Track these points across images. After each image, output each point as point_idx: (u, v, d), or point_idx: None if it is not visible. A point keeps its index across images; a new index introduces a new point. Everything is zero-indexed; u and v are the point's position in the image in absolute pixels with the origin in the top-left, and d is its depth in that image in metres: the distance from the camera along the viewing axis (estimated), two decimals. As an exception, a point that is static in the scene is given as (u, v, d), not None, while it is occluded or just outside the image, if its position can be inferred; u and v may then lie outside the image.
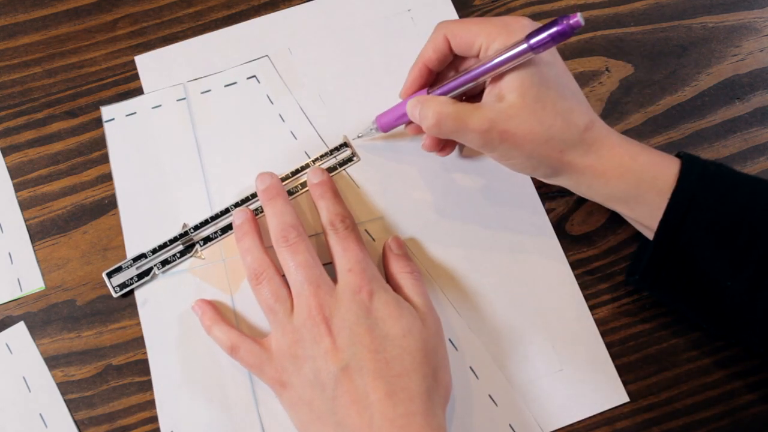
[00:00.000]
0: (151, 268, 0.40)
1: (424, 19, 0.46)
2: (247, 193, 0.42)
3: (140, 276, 0.40)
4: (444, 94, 0.37)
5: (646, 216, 0.35)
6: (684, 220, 0.33)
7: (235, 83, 0.45)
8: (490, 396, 0.38)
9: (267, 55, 0.46)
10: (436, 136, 0.37)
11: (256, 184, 0.40)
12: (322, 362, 0.34)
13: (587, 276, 0.41)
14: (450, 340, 0.39)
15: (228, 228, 0.41)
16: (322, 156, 0.43)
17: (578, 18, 0.30)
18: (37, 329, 0.40)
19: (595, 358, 0.39)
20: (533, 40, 0.32)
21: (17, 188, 0.43)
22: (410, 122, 0.39)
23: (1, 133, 0.44)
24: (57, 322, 0.40)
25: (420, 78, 0.39)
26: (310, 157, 0.43)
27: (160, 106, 0.45)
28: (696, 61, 0.45)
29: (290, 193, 0.41)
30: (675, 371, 0.39)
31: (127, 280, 0.40)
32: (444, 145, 0.40)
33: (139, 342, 0.40)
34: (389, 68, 0.45)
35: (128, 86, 0.45)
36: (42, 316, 0.40)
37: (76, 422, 0.38)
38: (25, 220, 0.42)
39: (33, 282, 0.41)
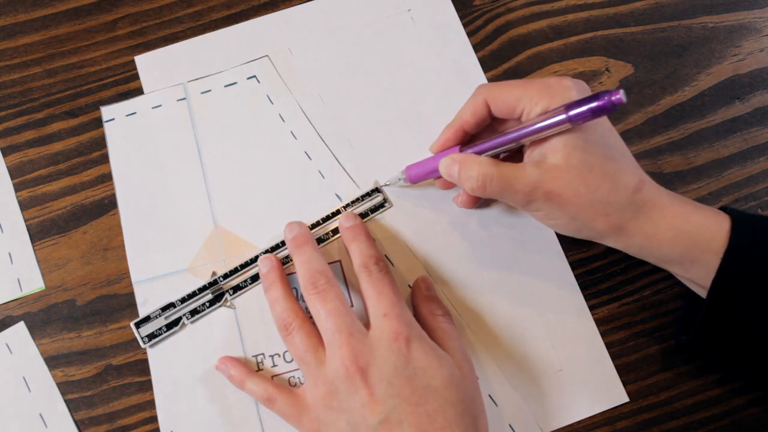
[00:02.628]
0: (180, 318, 0.39)
1: (424, 19, 0.46)
2: (277, 241, 0.41)
3: (169, 326, 0.39)
4: (478, 153, 0.36)
5: (701, 277, 0.34)
6: (738, 279, 0.32)
7: (235, 83, 0.45)
8: (490, 396, 0.38)
9: (267, 55, 0.46)
10: (478, 196, 0.36)
11: (285, 233, 0.39)
12: (359, 415, 0.32)
13: (587, 276, 0.41)
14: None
15: (258, 276, 0.40)
16: (353, 202, 0.42)
17: (621, 95, 0.29)
18: (37, 329, 0.40)
19: (595, 358, 0.39)
20: (572, 113, 0.31)
21: (17, 188, 0.43)
22: (440, 176, 0.38)
23: (1, 133, 0.44)
24: (57, 322, 0.40)
25: (455, 138, 0.38)
26: (341, 201, 0.42)
27: (160, 106, 0.45)
28: (696, 61, 0.45)
29: (321, 240, 0.41)
30: (675, 371, 0.39)
31: (156, 331, 0.39)
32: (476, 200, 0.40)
33: (139, 342, 0.40)
34: (389, 68, 0.45)
35: (128, 86, 0.45)
36: (42, 316, 0.40)
37: (76, 422, 0.38)
38: (25, 220, 0.42)
39: (33, 282, 0.41)
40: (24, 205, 0.43)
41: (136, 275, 0.41)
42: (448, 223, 0.41)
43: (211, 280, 0.40)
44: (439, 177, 0.38)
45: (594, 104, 0.30)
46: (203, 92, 0.45)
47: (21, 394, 0.39)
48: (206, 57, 0.46)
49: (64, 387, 0.39)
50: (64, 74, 0.46)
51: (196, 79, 0.45)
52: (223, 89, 0.45)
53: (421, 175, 0.40)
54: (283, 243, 0.40)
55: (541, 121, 0.33)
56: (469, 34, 0.46)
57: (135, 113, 0.44)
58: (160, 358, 0.39)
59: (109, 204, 0.43)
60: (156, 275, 0.41)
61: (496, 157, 0.36)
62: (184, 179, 0.43)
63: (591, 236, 0.35)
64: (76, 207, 0.43)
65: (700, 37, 0.46)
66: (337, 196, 0.42)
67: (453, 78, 0.45)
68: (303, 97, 0.45)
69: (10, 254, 0.42)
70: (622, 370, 0.39)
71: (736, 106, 0.44)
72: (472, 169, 0.34)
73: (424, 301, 0.38)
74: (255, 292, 0.40)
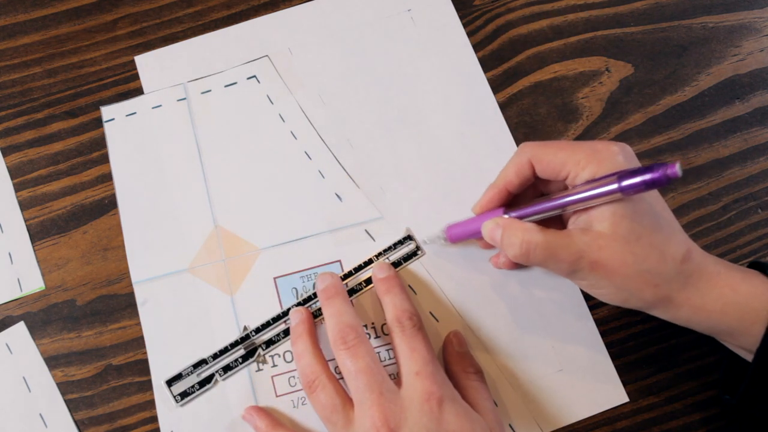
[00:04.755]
0: (212, 375, 0.38)
1: (424, 19, 0.46)
2: (310, 293, 0.40)
3: (202, 383, 0.38)
4: (521, 217, 0.35)
5: (750, 345, 0.33)
6: None
7: (235, 83, 0.45)
8: (490, 396, 0.38)
9: (267, 55, 0.46)
10: (524, 263, 0.35)
11: (316, 284, 0.39)
12: None
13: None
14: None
15: None
16: (386, 250, 0.41)
17: (676, 169, 0.28)
18: (37, 329, 0.40)
19: (595, 357, 0.39)
20: (625, 184, 0.30)
21: (17, 188, 0.43)
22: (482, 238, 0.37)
23: (1, 133, 0.44)
24: (57, 322, 0.40)
25: (498, 198, 0.37)
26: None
27: (160, 106, 0.45)
28: (696, 61, 0.45)
29: (354, 291, 0.40)
30: (675, 371, 0.39)
31: (189, 389, 0.38)
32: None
33: (139, 342, 0.40)
34: (389, 68, 0.45)
35: (128, 86, 0.45)
36: (42, 316, 0.40)
37: (76, 422, 0.38)
38: (25, 220, 0.42)
39: (33, 282, 0.41)
40: (24, 205, 0.43)
41: (136, 275, 0.41)
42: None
43: (243, 334, 0.39)
44: (481, 238, 0.37)
45: (648, 177, 0.29)
46: (203, 92, 0.45)
47: (21, 394, 0.39)
48: (206, 57, 0.46)
49: (64, 387, 0.39)
50: (64, 74, 0.46)
51: (196, 79, 0.45)
52: (223, 89, 0.45)
53: (463, 236, 0.38)
54: (315, 295, 0.39)
55: (592, 190, 0.31)
56: (469, 34, 0.46)
57: (135, 113, 0.44)
58: (161, 358, 0.39)
59: (109, 204, 0.43)
60: (156, 275, 0.41)
61: (539, 222, 0.35)
62: (184, 179, 0.43)
63: (638, 306, 0.34)
64: (76, 207, 0.43)
65: (700, 37, 0.46)
66: (336, 195, 0.42)
67: (453, 78, 0.45)
68: (303, 97, 0.45)
69: (10, 254, 0.42)
70: (622, 370, 0.39)
71: (736, 106, 0.44)
72: (516, 235, 0.33)
73: (457, 357, 0.37)
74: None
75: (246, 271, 0.41)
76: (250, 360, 0.39)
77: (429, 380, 0.33)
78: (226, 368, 0.38)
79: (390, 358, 0.39)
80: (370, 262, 0.40)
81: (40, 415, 0.38)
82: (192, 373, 0.38)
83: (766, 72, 0.45)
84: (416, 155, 0.43)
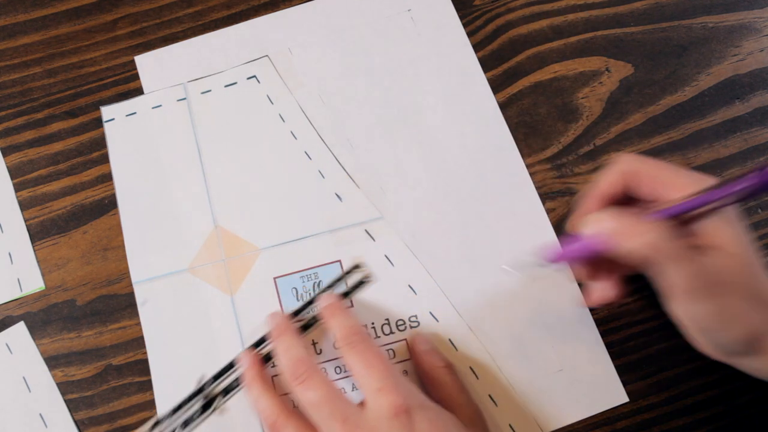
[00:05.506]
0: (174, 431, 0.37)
1: (424, 19, 0.46)
2: (262, 334, 0.38)
3: None
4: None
5: None
6: None
7: (235, 83, 0.45)
8: (490, 396, 0.38)
9: (267, 55, 0.46)
10: (639, 264, 0.31)
11: (267, 324, 0.38)
12: None
13: (587, 276, 0.41)
14: (449, 339, 0.39)
15: None
16: (331, 284, 0.40)
17: None
18: (37, 329, 0.40)
19: (595, 358, 0.39)
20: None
21: (17, 188, 0.43)
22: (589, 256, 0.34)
23: (1, 133, 0.44)
24: (57, 322, 0.40)
25: (597, 209, 0.34)
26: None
27: (160, 106, 0.45)
28: (696, 61, 0.45)
29: (307, 326, 0.38)
30: (675, 371, 0.39)
31: None
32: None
33: (139, 342, 0.40)
34: (389, 68, 0.45)
35: (128, 86, 0.45)
36: (42, 316, 0.40)
37: (76, 422, 0.38)
38: (25, 220, 0.42)
39: (33, 282, 0.41)
40: (24, 205, 0.43)
41: (136, 275, 0.41)
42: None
43: (200, 386, 0.37)
44: (588, 257, 0.34)
45: None
46: (203, 92, 0.45)
47: (21, 394, 0.39)
48: (206, 57, 0.46)
49: (64, 387, 0.39)
50: (64, 74, 0.46)
51: (196, 79, 0.45)
52: (223, 89, 0.45)
53: (570, 255, 0.35)
54: (267, 337, 0.38)
55: (736, 185, 0.28)
56: (469, 34, 0.46)
57: (135, 113, 0.45)
58: (161, 357, 0.39)
59: (109, 204, 0.43)
60: (156, 275, 0.41)
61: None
62: (184, 179, 0.43)
63: (738, 350, 0.31)
64: (76, 207, 0.43)
65: (700, 37, 0.46)
66: (336, 195, 0.42)
67: (453, 78, 0.45)
68: (303, 97, 0.45)
69: (10, 254, 0.42)
70: (622, 370, 0.39)
71: (736, 106, 0.44)
72: (642, 234, 0.30)
73: (424, 356, 0.37)
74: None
75: (246, 271, 0.41)
76: (208, 411, 0.37)
77: (392, 393, 0.31)
78: (186, 423, 0.37)
79: (395, 356, 0.39)
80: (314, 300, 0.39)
81: (40, 415, 0.38)
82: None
83: (766, 72, 0.45)
84: (417, 155, 0.43)
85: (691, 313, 0.31)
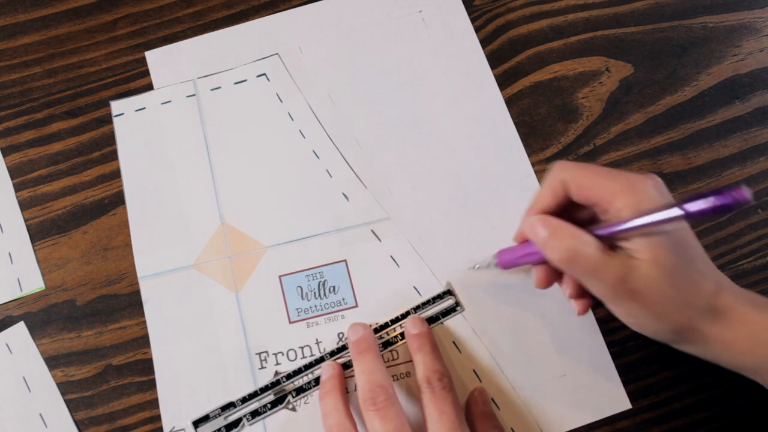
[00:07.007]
0: (240, 419, 0.38)
1: (434, 20, 0.46)
2: (343, 342, 0.39)
3: (229, 427, 0.37)
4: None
5: None
6: None
7: (245, 81, 0.45)
8: (493, 400, 0.38)
9: (277, 54, 0.46)
10: (561, 269, 0.33)
11: (348, 334, 0.38)
12: None
13: (587, 276, 0.40)
14: (453, 342, 0.39)
15: None
16: (423, 304, 0.40)
17: (745, 193, 0.26)
18: (37, 329, 0.40)
19: (598, 363, 0.39)
20: (692, 209, 0.28)
21: (17, 188, 0.43)
22: (539, 263, 0.35)
23: (1, 133, 0.44)
24: (57, 322, 0.40)
25: None
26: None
27: (169, 101, 0.45)
28: (696, 61, 0.45)
29: (388, 344, 0.39)
30: (675, 371, 0.39)
31: (215, 431, 0.38)
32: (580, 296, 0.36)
33: (139, 342, 0.40)
34: (399, 69, 0.45)
35: (128, 86, 0.45)
36: (42, 316, 0.40)
37: (76, 422, 0.38)
38: (25, 220, 0.42)
39: (33, 282, 0.41)
40: (24, 205, 0.43)
41: (142, 270, 0.41)
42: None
43: (274, 380, 0.38)
44: (538, 264, 0.35)
45: (719, 202, 0.27)
46: (213, 89, 0.45)
47: (21, 394, 0.39)
48: (216, 54, 0.46)
49: (64, 387, 0.39)
50: (64, 74, 0.46)
51: (206, 76, 0.45)
52: (232, 86, 0.45)
53: (514, 262, 0.37)
54: (346, 346, 0.39)
55: (653, 216, 0.30)
56: (469, 34, 0.46)
57: (144, 108, 0.45)
58: (164, 354, 0.39)
59: (109, 204, 0.43)
60: (161, 270, 0.41)
61: None
62: (192, 175, 0.43)
63: (668, 339, 0.33)
64: (76, 207, 0.43)
65: (700, 37, 0.46)
66: (343, 195, 0.42)
67: (462, 80, 0.45)
68: (312, 95, 0.45)
69: (10, 254, 0.42)
70: (622, 370, 0.39)
71: (736, 106, 0.44)
72: (564, 239, 0.32)
73: (480, 418, 0.37)
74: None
75: (251, 269, 0.41)
76: (279, 406, 0.38)
77: None
78: (255, 413, 0.38)
79: (398, 357, 0.39)
80: (407, 314, 0.39)
81: (40, 415, 0.38)
82: (219, 415, 0.38)
83: (766, 72, 0.45)
84: (424, 156, 0.43)
85: (616, 312, 0.33)
